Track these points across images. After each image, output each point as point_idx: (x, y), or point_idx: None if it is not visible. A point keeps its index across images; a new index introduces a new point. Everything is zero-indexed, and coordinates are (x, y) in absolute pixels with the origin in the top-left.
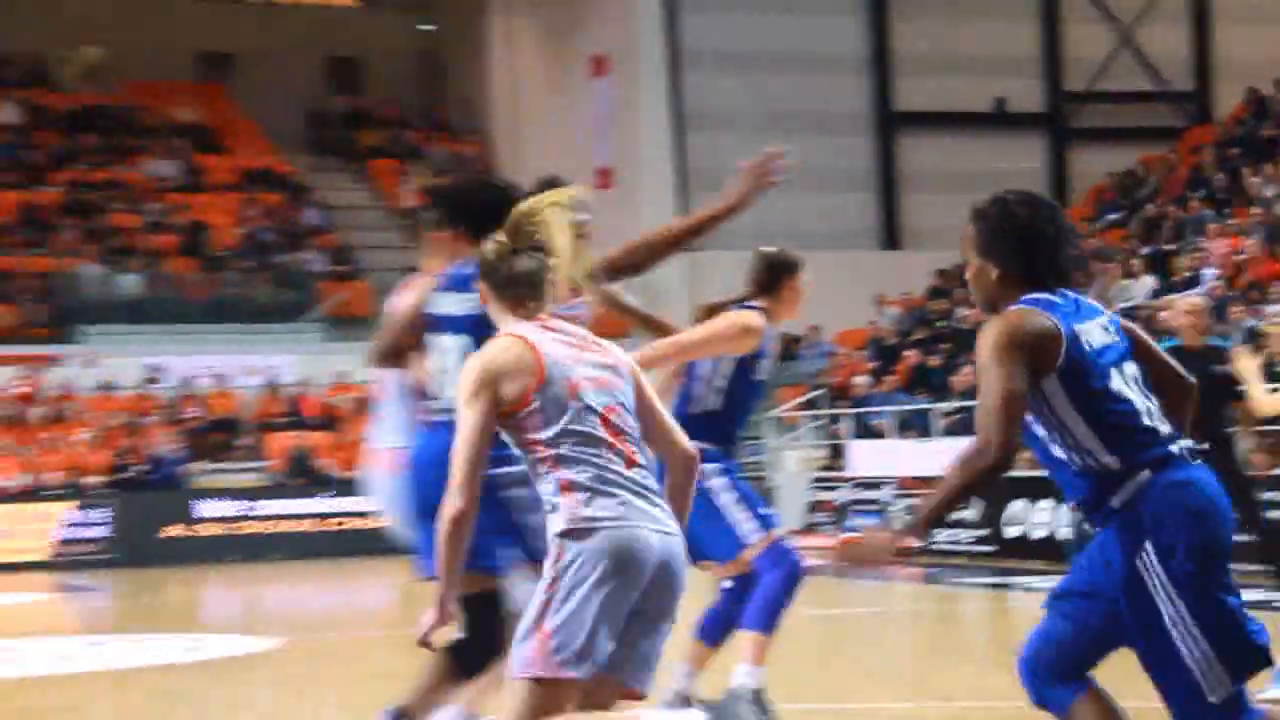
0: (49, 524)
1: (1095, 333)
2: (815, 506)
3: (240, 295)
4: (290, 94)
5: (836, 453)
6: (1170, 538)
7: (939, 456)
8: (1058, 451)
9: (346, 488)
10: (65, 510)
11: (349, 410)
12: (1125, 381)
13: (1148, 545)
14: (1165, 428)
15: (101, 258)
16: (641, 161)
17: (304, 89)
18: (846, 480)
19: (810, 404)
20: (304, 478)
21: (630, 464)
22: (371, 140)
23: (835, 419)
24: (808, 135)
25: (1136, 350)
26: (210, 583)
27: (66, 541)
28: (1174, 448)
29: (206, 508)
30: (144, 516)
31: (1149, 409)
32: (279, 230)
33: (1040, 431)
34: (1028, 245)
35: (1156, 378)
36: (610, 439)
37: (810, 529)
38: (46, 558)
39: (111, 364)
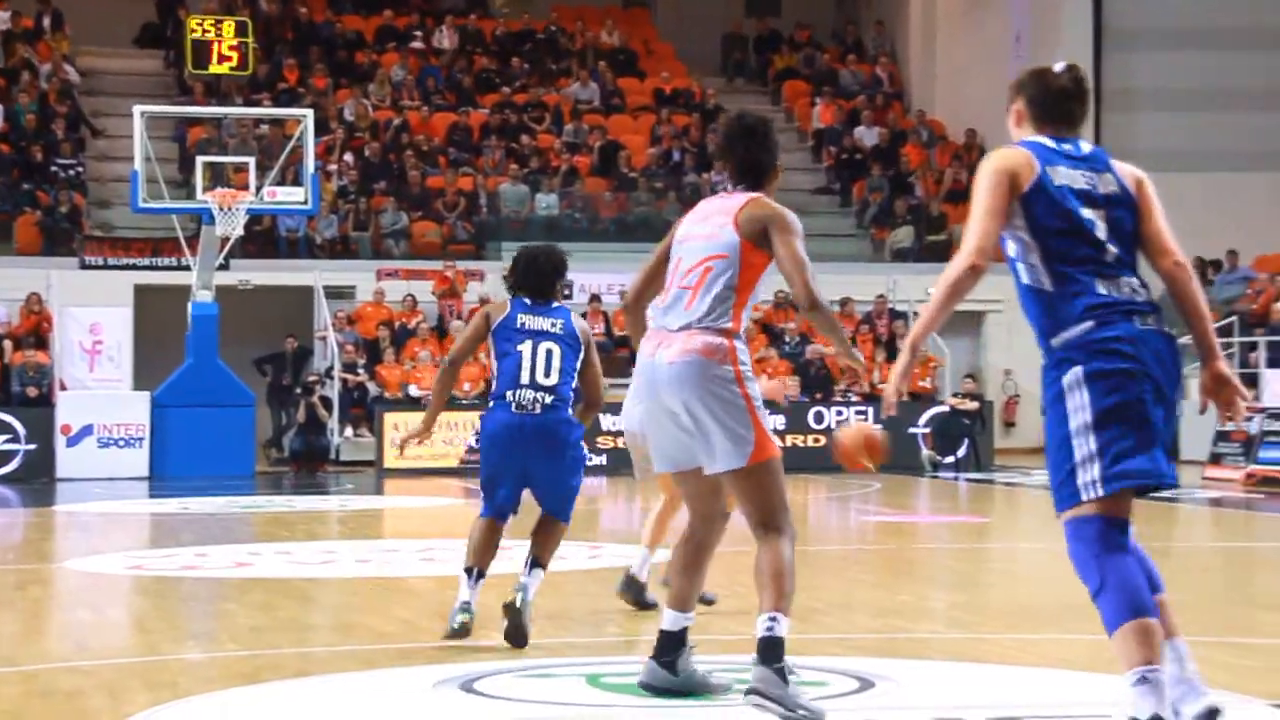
0: (463, 432)
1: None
2: (1222, 437)
3: (650, 214)
4: (707, 17)
5: (1250, 382)
6: None
7: None
8: None
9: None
10: (478, 419)
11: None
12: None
13: None
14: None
15: (522, 177)
16: None
17: (720, 12)
18: (1260, 410)
19: (1224, 331)
20: None
21: None
22: (783, 63)
23: (1251, 347)
24: (1236, 52)
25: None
26: (612, 496)
27: (473, 450)
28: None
29: None
30: None
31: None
32: (690, 151)
33: None
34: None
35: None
36: None
37: (1217, 460)
38: (457, 464)
39: None
